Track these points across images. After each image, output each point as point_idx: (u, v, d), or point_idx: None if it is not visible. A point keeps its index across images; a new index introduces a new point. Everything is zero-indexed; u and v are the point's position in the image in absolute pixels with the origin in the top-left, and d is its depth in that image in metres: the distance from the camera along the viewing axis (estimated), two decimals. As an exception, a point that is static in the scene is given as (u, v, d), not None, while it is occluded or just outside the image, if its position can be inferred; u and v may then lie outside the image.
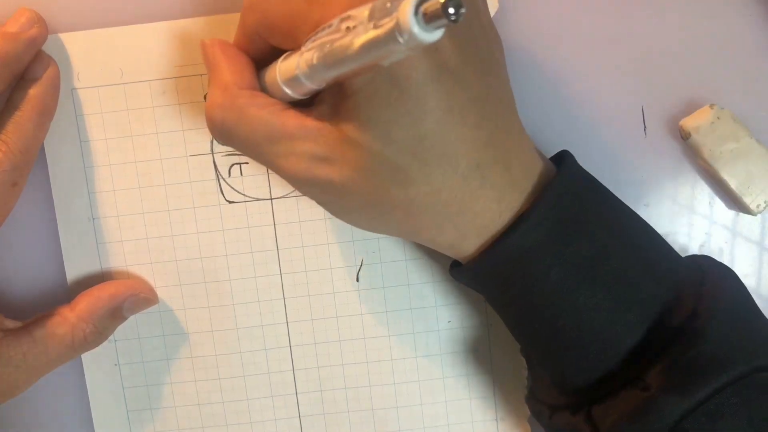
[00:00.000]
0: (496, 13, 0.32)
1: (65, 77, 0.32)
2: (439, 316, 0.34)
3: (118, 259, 0.33)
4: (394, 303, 0.34)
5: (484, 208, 0.26)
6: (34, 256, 0.34)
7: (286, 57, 0.26)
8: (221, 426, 0.35)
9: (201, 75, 0.32)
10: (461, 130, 0.24)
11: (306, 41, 0.24)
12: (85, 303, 0.31)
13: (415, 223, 0.27)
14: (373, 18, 0.19)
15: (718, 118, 0.32)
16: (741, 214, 0.34)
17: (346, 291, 0.34)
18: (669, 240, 0.34)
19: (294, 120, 0.26)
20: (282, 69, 0.26)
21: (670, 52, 0.33)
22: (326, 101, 0.26)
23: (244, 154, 0.28)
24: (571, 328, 0.27)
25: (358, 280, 0.34)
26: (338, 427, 0.35)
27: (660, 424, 0.25)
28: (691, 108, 0.33)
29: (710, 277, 0.28)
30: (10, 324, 0.31)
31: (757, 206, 0.32)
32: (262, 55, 0.28)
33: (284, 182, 0.31)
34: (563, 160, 0.28)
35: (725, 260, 0.34)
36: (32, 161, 0.31)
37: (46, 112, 0.31)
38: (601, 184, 0.29)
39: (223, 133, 0.27)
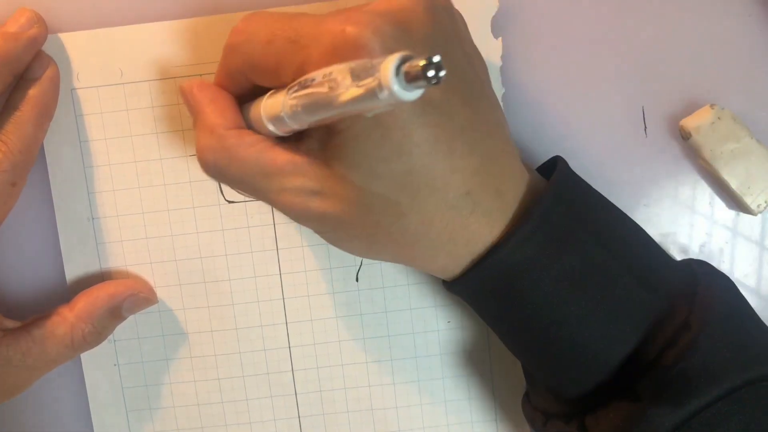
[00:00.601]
0: (496, 13, 0.32)
1: (65, 77, 0.32)
2: (438, 317, 0.34)
3: (118, 259, 0.33)
4: (394, 303, 0.34)
5: (476, 234, 0.26)
6: (33, 256, 0.34)
7: (270, 95, 0.26)
8: (221, 426, 0.35)
9: (201, 75, 0.32)
10: (449, 160, 0.24)
11: (290, 89, 0.24)
12: (84, 303, 0.31)
13: (409, 252, 0.27)
14: (356, 77, 0.20)
15: (718, 118, 0.32)
16: (741, 214, 0.34)
17: (346, 291, 0.34)
18: (669, 240, 0.34)
19: (284, 156, 0.26)
20: (267, 107, 0.26)
21: (671, 52, 0.33)
22: (314, 136, 0.26)
23: (241, 191, 0.28)
24: (563, 340, 0.27)
25: (357, 280, 0.34)
26: (338, 428, 0.35)
27: None
28: (691, 108, 0.33)
29: (704, 285, 0.27)
30: (10, 324, 0.31)
31: (758, 206, 0.32)
32: (243, 91, 0.28)
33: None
34: (555, 167, 0.28)
35: (725, 260, 0.34)
36: (32, 161, 0.31)
37: (46, 112, 0.31)
38: (593, 190, 0.28)
39: (216, 174, 0.27)
